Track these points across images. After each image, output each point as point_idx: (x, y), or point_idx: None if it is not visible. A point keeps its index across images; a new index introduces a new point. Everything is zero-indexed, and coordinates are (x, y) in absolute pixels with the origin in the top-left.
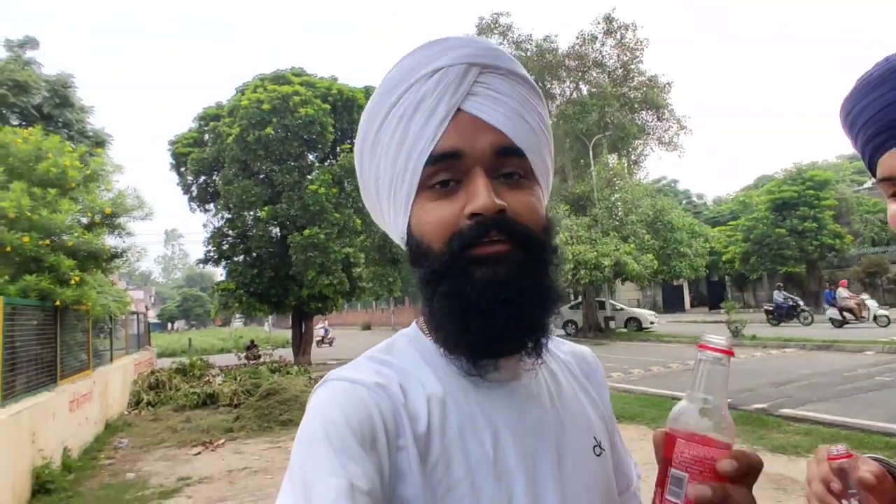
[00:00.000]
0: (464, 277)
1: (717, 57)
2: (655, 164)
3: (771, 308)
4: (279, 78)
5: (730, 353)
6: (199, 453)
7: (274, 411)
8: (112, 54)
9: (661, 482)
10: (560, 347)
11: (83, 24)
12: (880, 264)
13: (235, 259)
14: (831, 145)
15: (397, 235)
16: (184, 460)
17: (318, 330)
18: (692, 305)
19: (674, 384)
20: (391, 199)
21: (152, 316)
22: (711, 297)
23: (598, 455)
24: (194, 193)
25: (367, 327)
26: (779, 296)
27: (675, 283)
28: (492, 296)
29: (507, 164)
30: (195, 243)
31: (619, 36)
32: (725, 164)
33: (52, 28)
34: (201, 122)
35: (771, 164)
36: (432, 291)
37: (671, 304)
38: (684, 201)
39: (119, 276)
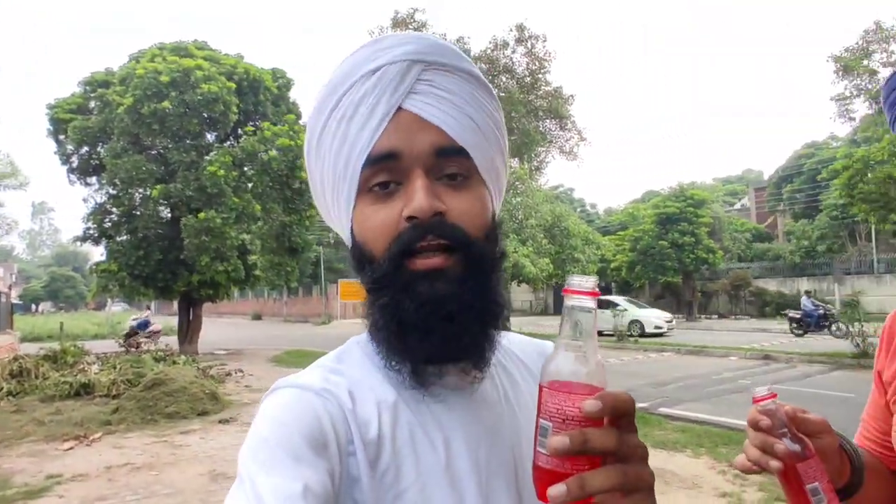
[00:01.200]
0: (404, 292)
1: (608, 73)
2: (555, 172)
3: (798, 316)
4: (180, 49)
5: (596, 295)
6: (71, 448)
7: (159, 403)
8: None
9: (535, 433)
10: (518, 345)
11: None
12: (744, 279)
13: (119, 239)
14: (709, 168)
15: (346, 239)
16: (53, 456)
17: (131, 322)
18: None
19: None
20: (335, 203)
21: (14, 296)
22: (598, 301)
23: None
24: (75, 164)
25: (257, 317)
26: (808, 302)
27: None
28: (431, 313)
29: (450, 164)
30: (68, 219)
31: (529, 45)
32: (617, 177)
33: None
34: (87, 88)
35: (657, 180)
36: (373, 302)
37: (561, 308)
38: (579, 209)
39: None
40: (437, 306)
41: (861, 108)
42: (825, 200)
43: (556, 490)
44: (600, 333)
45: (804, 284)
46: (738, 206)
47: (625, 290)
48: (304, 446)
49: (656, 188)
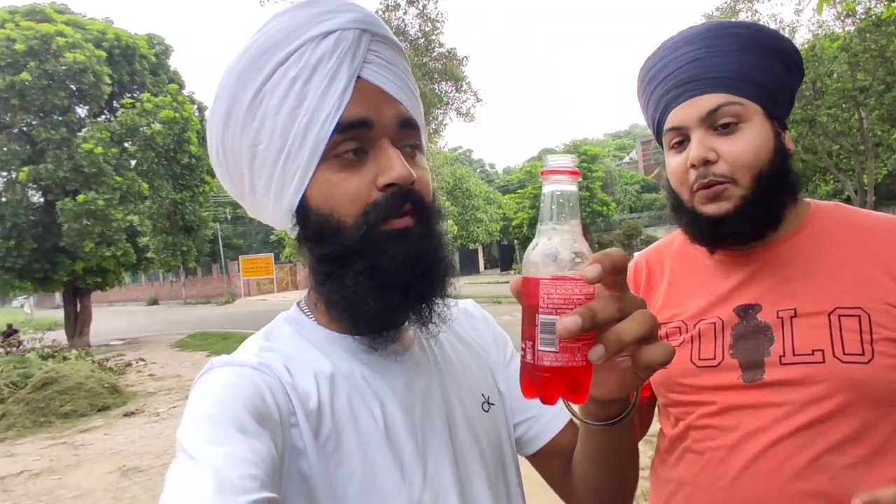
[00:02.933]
0: (380, 254)
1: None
2: (453, 134)
3: None
4: (36, 13)
5: (576, 175)
6: None
7: (53, 403)
8: None
9: (531, 335)
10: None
11: None
12: (636, 228)
13: None
14: (599, 124)
15: (280, 211)
16: None
17: None
18: (486, 268)
19: None
20: (278, 169)
21: None
22: (503, 259)
23: (487, 411)
24: None
25: (153, 302)
26: None
27: (470, 247)
28: (408, 270)
29: (408, 136)
30: None
31: (421, 6)
32: (514, 136)
33: None
34: None
35: (552, 138)
36: (342, 269)
37: (466, 267)
38: (479, 170)
39: None
40: (414, 263)
41: None
42: None
43: (571, 321)
44: None
45: None
46: (626, 159)
47: (527, 246)
48: (248, 418)
49: (551, 145)
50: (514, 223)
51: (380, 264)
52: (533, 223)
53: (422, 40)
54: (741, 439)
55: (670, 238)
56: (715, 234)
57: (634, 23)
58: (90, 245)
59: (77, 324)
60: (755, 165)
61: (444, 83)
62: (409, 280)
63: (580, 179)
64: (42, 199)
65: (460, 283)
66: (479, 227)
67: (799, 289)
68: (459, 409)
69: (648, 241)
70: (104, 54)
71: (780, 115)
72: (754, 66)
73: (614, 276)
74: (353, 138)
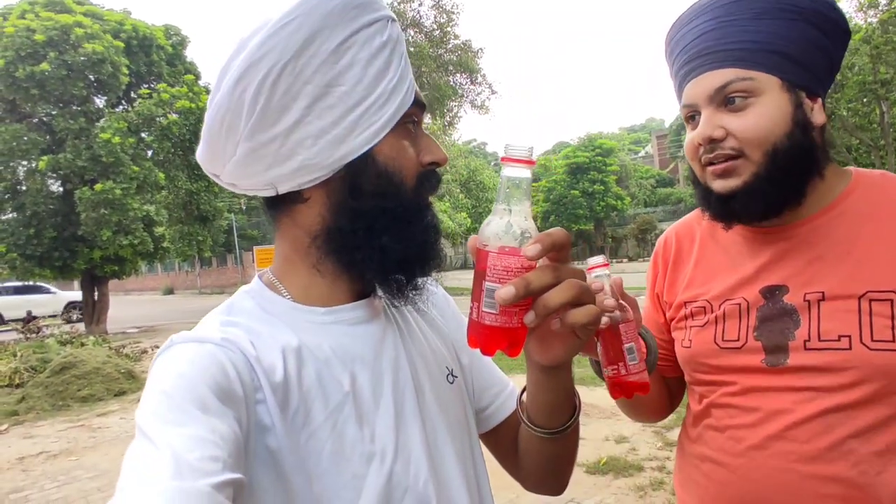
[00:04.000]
0: (423, 218)
1: (521, 27)
2: (467, 127)
3: None
4: (55, 4)
5: (531, 163)
6: None
7: (70, 387)
8: None
9: (478, 297)
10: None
11: None
12: (650, 223)
13: (3, 217)
14: (615, 117)
15: (325, 155)
16: None
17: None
18: None
19: None
20: (352, 116)
21: None
22: None
23: (451, 382)
24: None
25: (169, 292)
26: None
27: None
28: (431, 238)
29: (423, 118)
30: None
31: None
32: (529, 129)
33: None
34: None
35: (567, 131)
36: (391, 223)
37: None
38: (493, 163)
39: None
40: (436, 233)
41: None
42: None
43: (505, 291)
44: None
45: None
46: (642, 153)
47: None
48: (210, 396)
49: (566, 139)
50: None
51: (422, 224)
52: (547, 216)
53: (437, 32)
54: (761, 419)
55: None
56: (725, 210)
57: (652, 19)
58: (107, 234)
59: (94, 311)
60: (768, 140)
61: (458, 75)
62: (435, 244)
63: (534, 167)
64: (61, 189)
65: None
66: None
67: (829, 270)
68: (427, 379)
69: None
70: (122, 45)
71: (810, 85)
72: (773, 33)
73: (555, 252)
74: (417, 114)
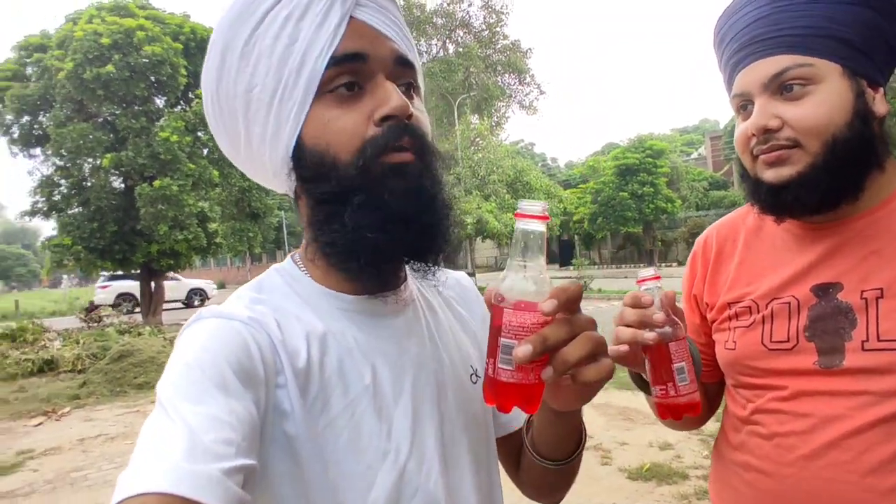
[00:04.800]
0: (379, 187)
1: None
2: (515, 127)
3: None
4: (120, 9)
5: (544, 219)
6: (40, 424)
7: (127, 374)
8: None
9: (494, 352)
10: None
11: None
12: (702, 226)
13: (70, 212)
14: (667, 119)
15: (277, 158)
16: (23, 433)
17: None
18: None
19: None
20: (273, 111)
21: None
22: (562, 254)
23: (475, 383)
24: (15, 135)
25: (221, 286)
26: None
27: None
28: (410, 205)
29: (404, 74)
30: (13, 193)
31: None
32: (577, 130)
33: None
34: (22, 53)
35: (617, 132)
36: (341, 206)
37: None
38: (540, 164)
39: None
40: (415, 197)
41: None
42: None
43: (522, 350)
44: None
45: None
46: (694, 155)
47: (587, 241)
48: (230, 375)
49: (616, 140)
50: (574, 218)
51: (379, 197)
52: (594, 218)
53: (486, 32)
54: (814, 426)
55: (746, 208)
56: (776, 202)
57: (697, 21)
58: (164, 228)
59: (151, 302)
60: (827, 130)
61: (506, 75)
62: (410, 214)
63: (549, 223)
64: (122, 185)
65: None
66: None
67: (888, 266)
68: (449, 378)
69: None
70: (180, 46)
71: (871, 73)
72: (831, 18)
73: (569, 305)
74: (348, 72)
